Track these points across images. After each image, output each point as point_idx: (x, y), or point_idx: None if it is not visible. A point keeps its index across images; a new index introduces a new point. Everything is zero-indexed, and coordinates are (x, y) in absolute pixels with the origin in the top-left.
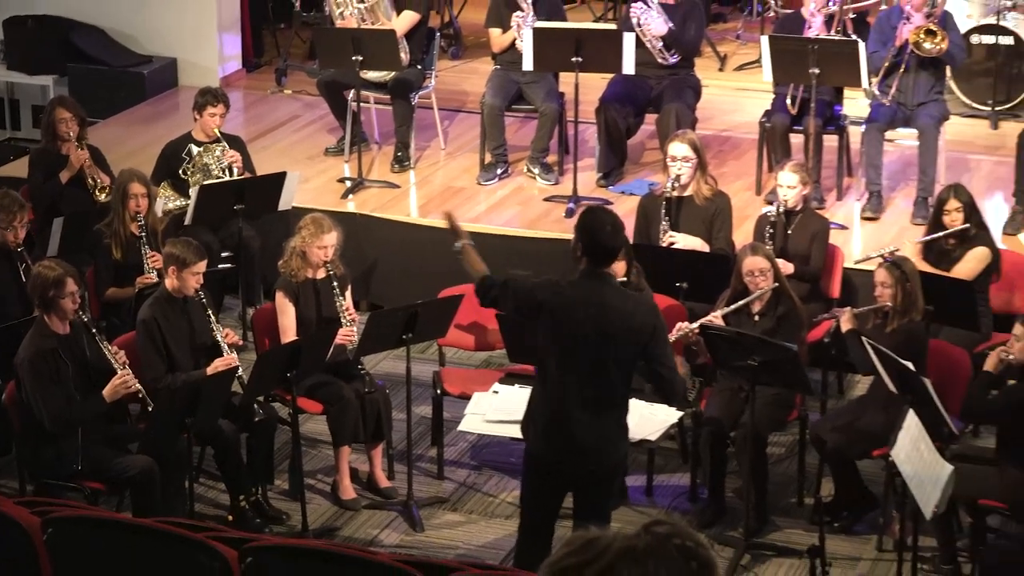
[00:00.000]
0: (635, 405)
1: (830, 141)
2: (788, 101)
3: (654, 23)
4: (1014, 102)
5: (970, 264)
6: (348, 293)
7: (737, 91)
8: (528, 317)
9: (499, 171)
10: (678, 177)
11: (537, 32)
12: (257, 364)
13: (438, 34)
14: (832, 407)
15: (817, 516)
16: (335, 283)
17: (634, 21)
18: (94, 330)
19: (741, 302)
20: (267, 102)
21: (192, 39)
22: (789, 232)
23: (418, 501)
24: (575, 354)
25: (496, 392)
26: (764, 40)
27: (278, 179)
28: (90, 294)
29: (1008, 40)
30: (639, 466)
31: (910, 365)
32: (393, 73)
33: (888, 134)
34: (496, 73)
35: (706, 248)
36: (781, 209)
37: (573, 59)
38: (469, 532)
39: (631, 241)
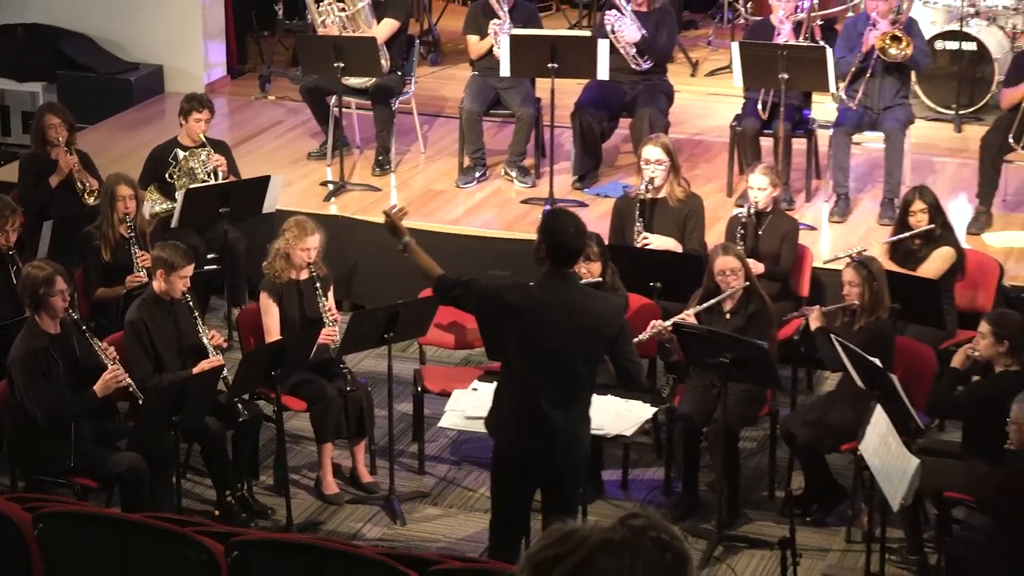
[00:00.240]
0: (611, 402)
1: (799, 144)
2: (758, 106)
3: (628, 30)
4: (977, 106)
5: (935, 263)
6: (330, 294)
7: (709, 96)
8: (491, 318)
9: (477, 174)
10: (652, 180)
11: (514, 39)
12: (242, 363)
13: (417, 41)
14: (802, 403)
15: (788, 509)
16: (318, 284)
17: (608, 28)
18: (84, 328)
19: (713, 301)
20: (251, 108)
21: (178, 47)
22: (760, 233)
23: (400, 496)
24: (545, 354)
25: (475, 389)
26: (735, 46)
27: (262, 183)
28: (79, 294)
29: (971, 46)
30: (615, 461)
31: (877, 362)
32: (374, 79)
33: (855, 137)
34: (474, 79)
35: (679, 248)
36: (752, 210)
37: (549, 65)
38: (449, 525)
39: (606, 242)
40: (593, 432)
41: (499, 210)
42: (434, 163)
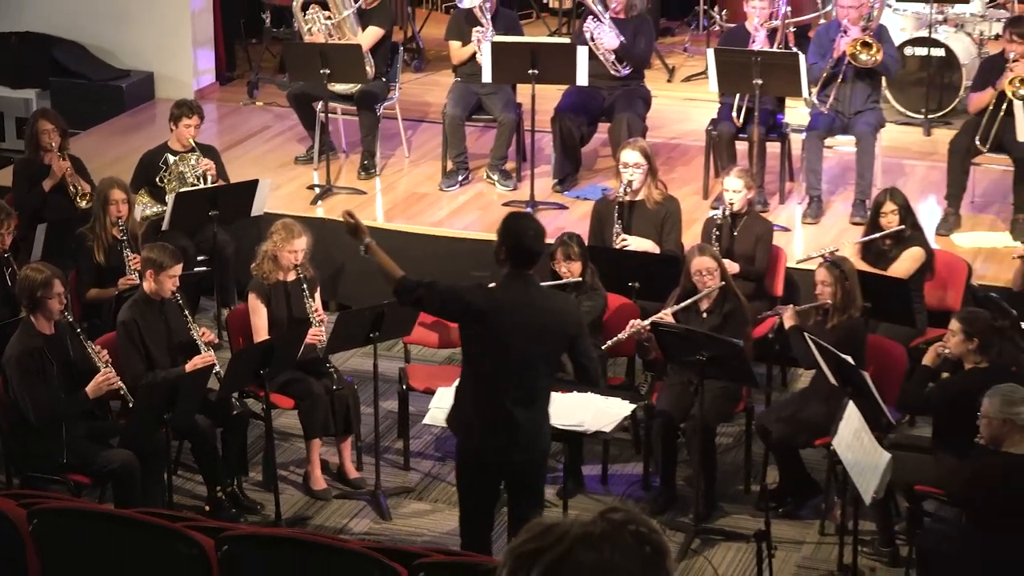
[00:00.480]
0: (591, 399)
1: (773, 148)
2: (733, 110)
3: (606, 37)
4: (945, 110)
5: (905, 263)
6: (317, 294)
7: (685, 101)
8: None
9: (460, 178)
10: (630, 183)
11: (495, 46)
12: (231, 362)
13: (401, 48)
14: (776, 399)
15: (763, 502)
16: (305, 285)
17: (587, 35)
18: (78, 330)
19: (690, 300)
20: (240, 113)
21: (168, 54)
22: (735, 234)
23: (386, 491)
24: (507, 354)
25: None
26: (710, 53)
27: (250, 186)
28: (72, 296)
29: (940, 52)
30: (595, 456)
31: (850, 359)
32: (359, 85)
33: (827, 141)
34: (457, 85)
35: (657, 250)
36: (727, 212)
37: (530, 71)
38: (434, 520)
39: (586, 243)
40: (574, 428)
41: (481, 212)
42: (418, 167)
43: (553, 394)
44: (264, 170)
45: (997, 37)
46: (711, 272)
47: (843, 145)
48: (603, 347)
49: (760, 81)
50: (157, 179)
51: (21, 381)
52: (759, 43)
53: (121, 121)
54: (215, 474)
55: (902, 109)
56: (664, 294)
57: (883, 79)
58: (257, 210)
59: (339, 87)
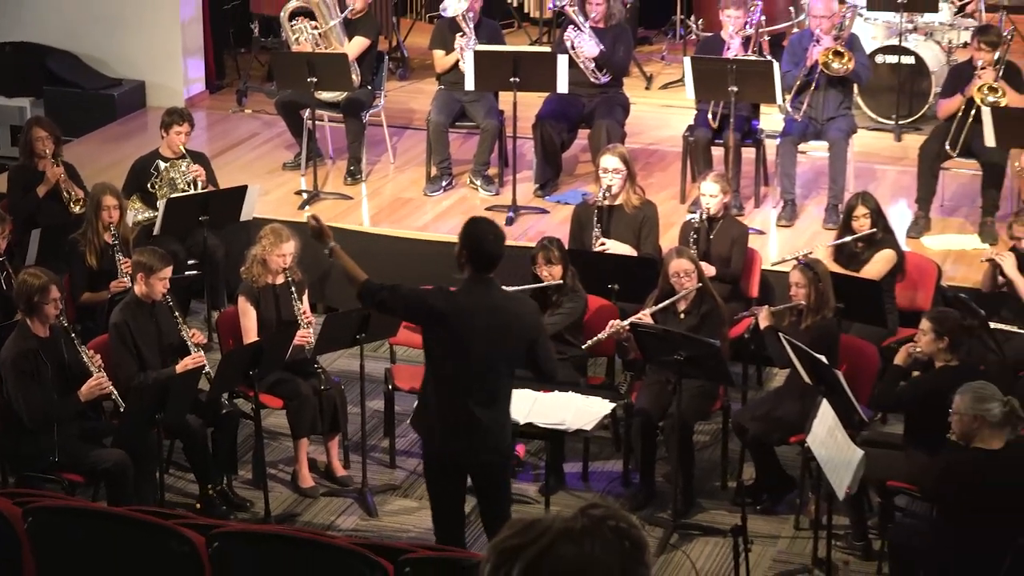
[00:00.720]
0: (572, 398)
1: (748, 153)
2: (709, 117)
3: (586, 46)
4: (916, 116)
5: (877, 265)
6: (305, 297)
7: (662, 108)
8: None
9: (444, 183)
10: (609, 187)
11: (478, 54)
12: (222, 363)
13: (387, 57)
14: (752, 398)
15: (739, 498)
16: (293, 288)
17: (568, 44)
18: (72, 334)
19: (668, 301)
20: (229, 121)
21: (159, 63)
22: (711, 237)
23: (372, 488)
24: (469, 356)
25: None
26: (687, 61)
27: (240, 192)
28: (66, 299)
29: (910, 59)
30: (576, 454)
31: (823, 358)
32: (345, 93)
33: (801, 146)
34: (440, 93)
35: (635, 253)
36: (704, 216)
37: (511, 79)
38: (419, 516)
39: (566, 247)
40: (555, 427)
41: (465, 217)
42: (403, 172)
43: (535, 393)
44: (253, 176)
45: (965, 45)
46: (688, 274)
47: (816, 151)
48: (583, 347)
49: (735, 88)
50: (148, 185)
51: (16, 382)
52: (734, 51)
53: (113, 129)
54: (206, 473)
55: (874, 115)
56: (643, 296)
57: (855, 86)
58: (246, 215)
59: (326, 95)
